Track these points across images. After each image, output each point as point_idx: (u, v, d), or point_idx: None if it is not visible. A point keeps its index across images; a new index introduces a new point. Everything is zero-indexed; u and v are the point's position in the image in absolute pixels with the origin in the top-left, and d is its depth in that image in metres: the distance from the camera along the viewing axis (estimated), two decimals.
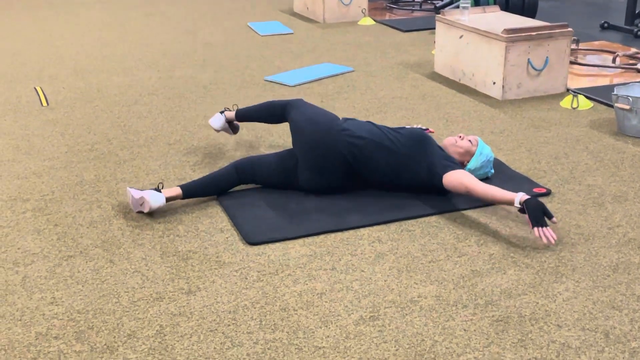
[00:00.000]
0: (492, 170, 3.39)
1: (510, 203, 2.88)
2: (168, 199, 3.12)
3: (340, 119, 3.33)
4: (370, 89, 4.96)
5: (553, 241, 2.74)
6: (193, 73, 5.43)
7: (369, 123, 3.28)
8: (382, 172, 3.17)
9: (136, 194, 3.08)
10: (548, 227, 2.76)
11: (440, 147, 3.23)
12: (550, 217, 2.81)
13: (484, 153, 3.30)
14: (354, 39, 6.56)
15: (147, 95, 4.89)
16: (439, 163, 3.11)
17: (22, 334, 2.32)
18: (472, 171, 3.29)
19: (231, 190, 3.35)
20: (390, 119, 4.31)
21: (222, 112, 3.78)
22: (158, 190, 3.11)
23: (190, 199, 3.22)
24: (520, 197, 2.85)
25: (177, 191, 3.15)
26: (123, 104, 4.72)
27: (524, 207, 2.82)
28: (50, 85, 5.16)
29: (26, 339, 2.29)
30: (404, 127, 3.31)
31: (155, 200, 3.07)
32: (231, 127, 3.84)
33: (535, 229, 2.75)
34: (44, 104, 4.73)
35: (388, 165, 3.16)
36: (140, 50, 6.22)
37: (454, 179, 3.04)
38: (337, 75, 5.31)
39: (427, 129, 3.98)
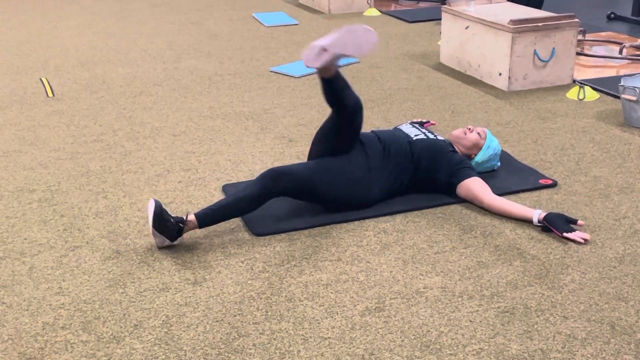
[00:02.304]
0: (499, 163, 3.39)
1: (528, 219, 2.89)
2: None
3: (363, 169, 3.00)
4: (375, 80, 4.95)
5: (588, 238, 2.76)
6: (198, 64, 5.43)
7: (383, 152, 3.05)
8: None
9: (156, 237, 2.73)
10: (575, 230, 2.78)
11: (453, 150, 3.17)
12: (574, 222, 2.83)
13: (491, 147, 3.28)
14: None
15: (152, 87, 4.89)
16: (452, 172, 3.09)
17: (29, 324, 2.33)
18: (478, 164, 3.28)
19: (237, 181, 3.36)
20: (396, 111, 4.30)
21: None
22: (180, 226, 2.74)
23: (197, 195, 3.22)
24: (537, 214, 2.86)
25: (194, 221, 2.78)
26: (128, 95, 4.72)
27: (546, 224, 2.83)
28: (55, 76, 5.16)
29: (33, 329, 2.30)
30: (415, 135, 3.18)
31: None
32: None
33: (565, 234, 2.77)
34: (50, 95, 4.73)
35: (410, 189, 3.16)
36: (145, 41, 6.21)
37: (468, 190, 3.04)
38: (342, 66, 5.30)
39: (428, 122, 3.94)
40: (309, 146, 3.76)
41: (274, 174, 2.85)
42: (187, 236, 2.86)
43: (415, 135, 3.17)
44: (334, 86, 2.92)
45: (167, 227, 2.70)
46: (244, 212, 2.87)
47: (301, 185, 2.89)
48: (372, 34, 2.84)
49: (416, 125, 3.32)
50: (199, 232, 2.89)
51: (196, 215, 2.79)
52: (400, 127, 3.31)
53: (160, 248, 2.76)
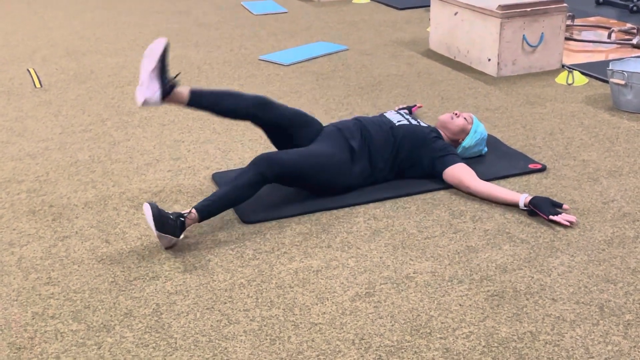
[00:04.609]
0: (486, 149, 3.39)
1: (514, 203, 2.90)
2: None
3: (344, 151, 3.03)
4: (365, 67, 4.94)
5: (574, 220, 2.77)
6: (187, 53, 5.40)
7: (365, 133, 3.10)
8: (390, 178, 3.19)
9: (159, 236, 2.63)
10: (562, 213, 2.79)
11: (437, 135, 3.17)
12: (559, 205, 2.84)
13: (478, 131, 3.29)
14: (348, 17, 6.52)
15: None
16: (437, 158, 3.09)
17: (19, 314, 2.32)
18: (466, 149, 3.28)
19: (227, 169, 3.36)
20: (385, 98, 4.30)
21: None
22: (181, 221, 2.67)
23: (187, 179, 3.22)
24: (524, 199, 2.86)
25: (194, 215, 2.73)
26: (116, 84, 4.69)
27: (532, 208, 2.83)
28: (43, 66, 5.13)
29: (23, 319, 2.30)
30: (398, 121, 3.19)
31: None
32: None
33: (551, 217, 2.77)
34: (37, 85, 4.70)
35: (396, 175, 3.18)
36: (133, 30, 6.18)
37: (454, 177, 3.04)
38: (331, 53, 5.29)
39: (415, 106, 3.94)
40: None
41: (268, 159, 2.83)
42: None
43: (399, 122, 3.17)
44: (204, 105, 3.00)
45: (168, 224, 2.62)
46: (242, 200, 2.81)
47: (292, 169, 2.87)
48: (160, 41, 2.89)
49: (402, 112, 3.31)
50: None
51: (196, 208, 2.72)
52: (386, 113, 3.30)
53: (168, 248, 2.68)
